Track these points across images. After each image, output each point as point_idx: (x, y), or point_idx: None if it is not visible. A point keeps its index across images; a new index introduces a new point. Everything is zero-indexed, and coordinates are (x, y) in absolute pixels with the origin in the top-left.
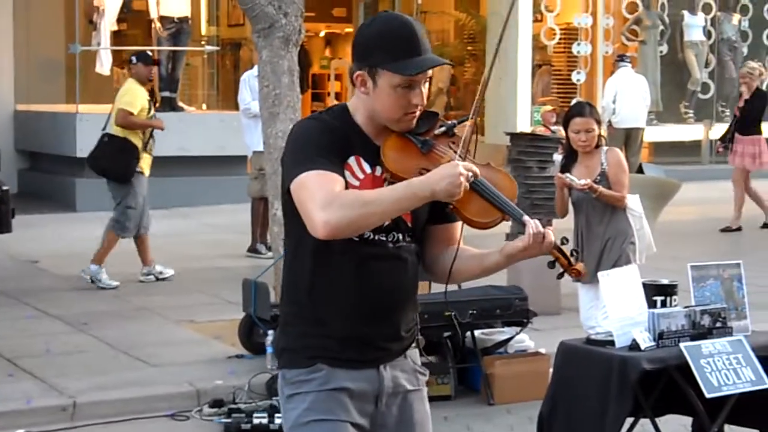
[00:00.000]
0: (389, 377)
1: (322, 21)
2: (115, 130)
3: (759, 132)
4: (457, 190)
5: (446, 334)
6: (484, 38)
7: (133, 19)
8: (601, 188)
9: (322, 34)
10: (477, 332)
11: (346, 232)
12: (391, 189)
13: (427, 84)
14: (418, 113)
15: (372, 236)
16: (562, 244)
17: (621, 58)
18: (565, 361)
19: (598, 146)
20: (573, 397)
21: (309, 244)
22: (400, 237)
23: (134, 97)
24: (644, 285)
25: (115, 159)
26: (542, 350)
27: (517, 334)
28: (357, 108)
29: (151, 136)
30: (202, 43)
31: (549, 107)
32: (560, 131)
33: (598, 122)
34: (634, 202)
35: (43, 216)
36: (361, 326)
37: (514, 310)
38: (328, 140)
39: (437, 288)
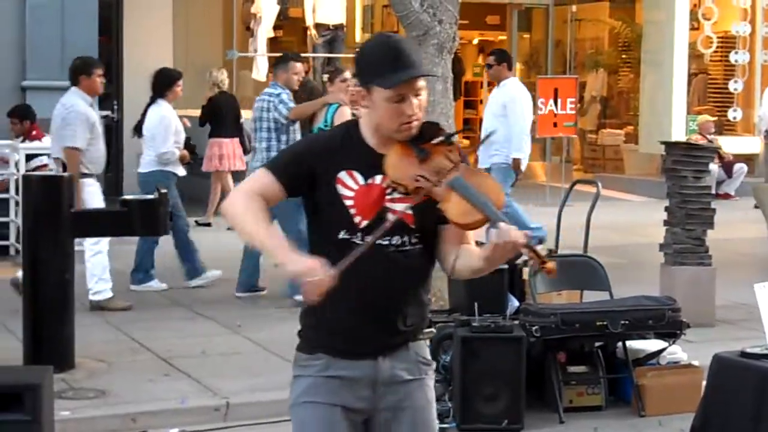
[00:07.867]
0: (387, 367)
1: (476, 28)
2: None
3: None
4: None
5: (597, 344)
6: (639, 46)
7: (289, 26)
8: None
9: (475, 41)
10: (629, 343)
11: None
12: (265, 232)
13: (424, 95)
14: (415, 123)
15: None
16: (539, 243)
17: None
18: (718, 373)
19: None
20: (726, 411)
21: (313, 243)
22: (406, 240)
23: None
24: None
25: None
26: (695, 362)
27: (670, 345)
28: (366, 122)
29: None
30: (357, 49)
31: (708, 117)
32: (716, 141)
33: None
34: None
35: (200, 219)
36: (357, 323)
37: (667, 321)
38: (310, 156)
39: (588, 297)
